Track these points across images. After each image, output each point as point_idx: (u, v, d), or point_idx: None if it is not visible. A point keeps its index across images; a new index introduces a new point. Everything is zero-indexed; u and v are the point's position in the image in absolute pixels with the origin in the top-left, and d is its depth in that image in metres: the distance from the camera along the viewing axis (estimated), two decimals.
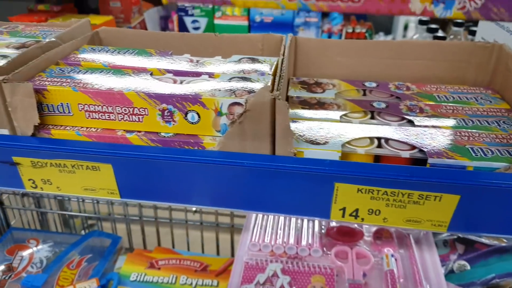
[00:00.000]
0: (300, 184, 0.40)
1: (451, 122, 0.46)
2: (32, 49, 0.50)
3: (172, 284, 0.86)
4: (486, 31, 0.59)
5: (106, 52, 0.53)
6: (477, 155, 0.40)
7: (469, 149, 0.40)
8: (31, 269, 0.90)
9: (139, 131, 0.44)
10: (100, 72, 0.47)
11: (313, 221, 0.67)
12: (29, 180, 0.46)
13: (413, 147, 0.41)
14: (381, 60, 0.54)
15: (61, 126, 0.45)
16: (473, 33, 0.71)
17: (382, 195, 0.39)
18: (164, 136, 0.43)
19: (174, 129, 0.44)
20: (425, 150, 0.40)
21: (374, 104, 0.49)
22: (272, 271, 0.57)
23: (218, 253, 0.98)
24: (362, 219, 0.41)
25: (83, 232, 1.20)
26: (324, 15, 2.11)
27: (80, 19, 0.62)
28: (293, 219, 0.68)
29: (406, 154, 0.40)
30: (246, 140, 0.41)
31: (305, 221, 0.68)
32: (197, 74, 0.47)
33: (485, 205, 0.38)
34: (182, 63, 0.50)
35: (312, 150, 0.41)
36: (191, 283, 0.87)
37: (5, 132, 0.45)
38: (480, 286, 0.60)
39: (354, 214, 0.41)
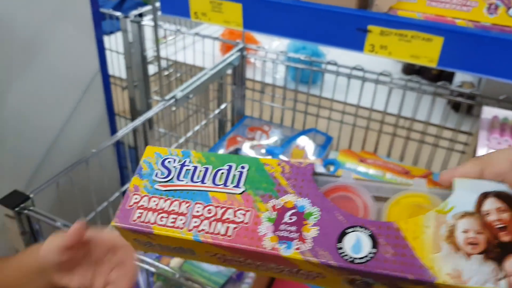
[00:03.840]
0: None
1: None
2: None
3: (381, 177, 1.07)
4: None
5: None
6: None
7: None
8: (269, 142, 1.18)
9: (465, 19, 0.62)
10: None
11: None
12: (370, 45, 0.68)
13: None
14: None
15: (405, 9, 0.65)
16: None
17: None
18: (484, 24, 0.61)
19: (494, 20, 0.61)
20: None
21: None
22: None
23: (415, 165, 1.16)
24: None
25: None
26: None
27: None
28: None
29: None
30: None
31: None
32: None
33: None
34: None
35: None
36: (396, 180, 1.06)
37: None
38: None
39: None
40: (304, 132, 1.24)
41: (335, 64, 1.12)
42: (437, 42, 0.62)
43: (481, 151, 0.77)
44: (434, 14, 0.64)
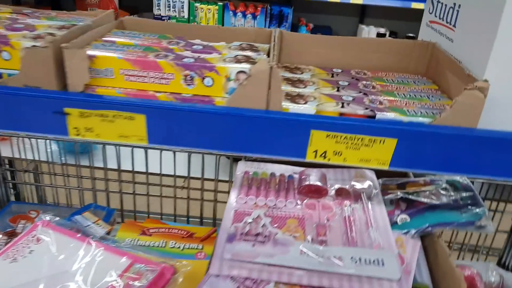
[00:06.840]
0: (286, 131, 0.55)
1: (394, 95, 0.63)
2: (74, 29, 0.63)
3: (162, 248, 0.99)
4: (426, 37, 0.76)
5: (133, 35, 0.67)
6: (410, 114, 0.56)
7: (405, 110, 0.57)
8: None
9: (166, 92, 0.58)
10: (134, 47, 0.61)
11: (288, 183, 0.83)
12: (74, 128, 0.59)
13: (366, 108, 0.57)
14: (346, 52, 0.71)
15: (104, 86, 0.59)
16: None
17: (343, 139, 0.55)
18: (185, 96, 0.58)
19: (193, 91, 0.58)
20: (374, 109, 0.56)
21: (340, 82, 0.65)
22: (257, 214, 0.71)
23: (201, 224, 1.12)
24: (329, 159, 0.56)
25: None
26: None
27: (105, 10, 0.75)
28: (273, 181, 0.84)
29: (361, 112, 0.56)
30: (247, 98, 0.56)
31: (283, 182, 0.83)
32: (209, 52, 0.62)
33: (417, 147, 0.54)
34: (196, 45, 0.65)
35: (295, 107, 0.56)
36: (179, 247, 1.00)
37: None
38: (417, 234, 0.76)
39: (323, 155, 0.56)
40: (82, 209, 1.10)
41: None
42: (140, 120, 0.57)
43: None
44: (135, 89, 0.59)
